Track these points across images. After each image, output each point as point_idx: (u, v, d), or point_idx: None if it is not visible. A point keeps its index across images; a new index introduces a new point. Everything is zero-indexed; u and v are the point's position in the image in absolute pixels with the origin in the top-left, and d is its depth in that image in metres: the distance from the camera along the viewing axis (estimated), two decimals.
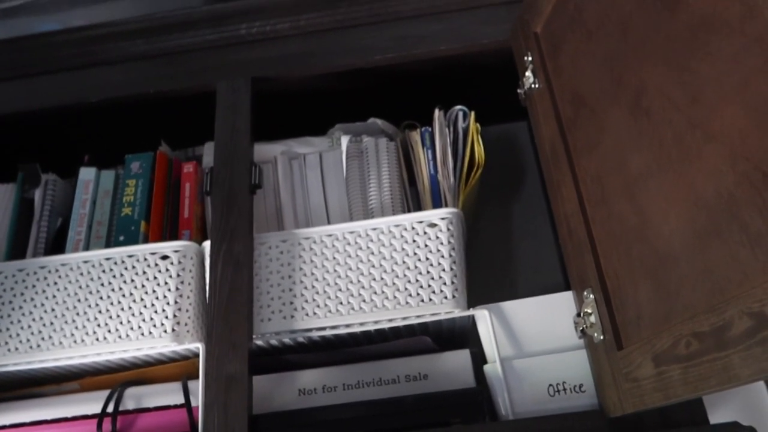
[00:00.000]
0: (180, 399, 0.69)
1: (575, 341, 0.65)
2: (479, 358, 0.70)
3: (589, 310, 0.61)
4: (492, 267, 0.89)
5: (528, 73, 0.74)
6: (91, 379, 0.74)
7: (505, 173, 0.95)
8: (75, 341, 0.71)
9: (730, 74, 0.42)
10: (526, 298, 0.70)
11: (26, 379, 0.76)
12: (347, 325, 0.70)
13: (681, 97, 0.47)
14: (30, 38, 0.91)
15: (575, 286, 0.65)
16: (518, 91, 0.77)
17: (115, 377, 0.74)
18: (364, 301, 0.70)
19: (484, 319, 0.68)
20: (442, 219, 0.72)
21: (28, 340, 0.72)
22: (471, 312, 0.69)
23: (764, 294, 0.38)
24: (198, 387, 0.67)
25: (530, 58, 0.74)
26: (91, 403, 0.70)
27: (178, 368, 0.73)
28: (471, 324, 0.73)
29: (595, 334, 0.60)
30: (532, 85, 0.74)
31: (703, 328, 0.44)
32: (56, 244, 0.83)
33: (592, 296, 0.61)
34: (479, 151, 0.79)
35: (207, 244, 0.74)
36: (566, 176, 0.66)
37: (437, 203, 0.77)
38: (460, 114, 0.81)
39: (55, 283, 0.74)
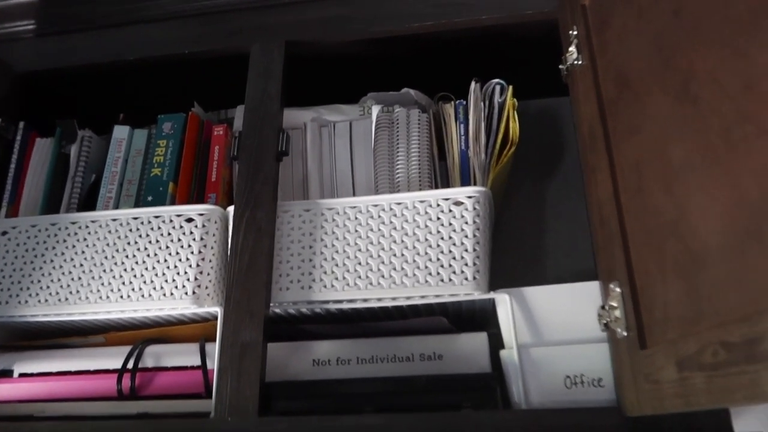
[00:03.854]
0: (197, 360, 0.70)
1: (597, 333, 0.63)
2: (497, 343, 0.69)
3: (615, 304, 0.58)
4: (521, 248, 0.86)
5: (572, 48, 0.70)
6: (115, 334, 0.77)
7: (544, 150, 0.90)
8: (101, 297, 0.73)
9: None
10: (554, 284, 0.68)
11: (54, 329, 0.79)
12: (364, 300, 0.69)
13: (734, 85, 0.43)
14: None
15: (602, 277, 0.62)
16: (560, 66, 0.73)
17: (139, 333, 0.76)
18: (383, 276, 0.69)
19: (504, 303, 0.66)
20: (469, 197, 0.70)
21: (57, 293, 0.74)
22: (491, 295, 0.67)
23: None
24: (215, 350, 0.68)
25: (576, 32, 0.70)
26: (113, 358, 0.72)
27: (198, 329, 0.74)
28: (492, 307, 0.72)
29: (619, 330, 0.57)
30: (575, 62, 0.69)
31: (734, 338, 0.41)
32: (89, 201, 0.84)
33: (618, 290, 0.58)
34: (514, 128, 0.75)
35: (231, 209, 0.74)
36: (603, 161, 0.62)
37: (466, 180, 0.74)
38: (498, 88, 0.78)
39: (85, 240, 0.76)
